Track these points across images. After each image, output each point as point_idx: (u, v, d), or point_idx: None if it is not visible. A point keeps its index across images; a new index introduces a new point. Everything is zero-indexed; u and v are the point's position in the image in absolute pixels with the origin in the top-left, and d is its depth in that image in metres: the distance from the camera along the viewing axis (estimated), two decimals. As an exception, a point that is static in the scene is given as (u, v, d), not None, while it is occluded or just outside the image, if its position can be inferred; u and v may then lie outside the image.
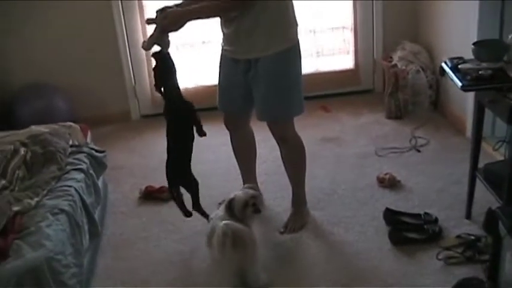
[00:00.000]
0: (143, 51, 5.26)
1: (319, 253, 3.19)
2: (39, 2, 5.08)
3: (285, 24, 3.08)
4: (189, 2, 3.05)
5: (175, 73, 3.00)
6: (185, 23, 2.89)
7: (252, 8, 2.94)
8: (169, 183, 3.22)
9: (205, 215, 3.31)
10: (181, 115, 3.06)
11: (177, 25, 2.89)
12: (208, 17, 3.04)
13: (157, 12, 2.95)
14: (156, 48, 2.98)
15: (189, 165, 3.17)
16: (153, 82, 3.07)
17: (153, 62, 3.01)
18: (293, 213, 3.51)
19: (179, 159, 3.15)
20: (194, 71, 5.44)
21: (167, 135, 3.11)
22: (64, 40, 5.24)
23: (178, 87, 3.03)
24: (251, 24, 3.00)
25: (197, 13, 2.94)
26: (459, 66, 2.97)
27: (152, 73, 3.06)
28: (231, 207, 2.94)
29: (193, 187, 3.23)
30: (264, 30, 3.01)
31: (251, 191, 3.03)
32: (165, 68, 2.98)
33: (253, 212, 2.97)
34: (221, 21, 3.18)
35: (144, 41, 3.03)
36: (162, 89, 3.00)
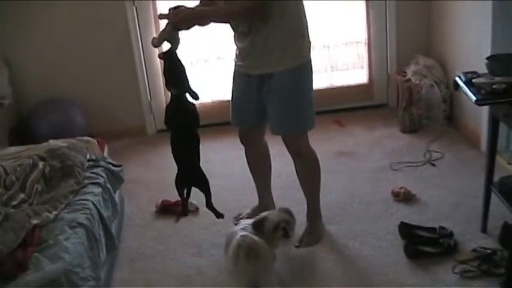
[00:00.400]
0: (159, 67, 5.33)
1: (335, 267, 3.19)
2: (56, 19, 5.16)
3: (298, 41, 3.10)
4: (206, 2, 3.07)
5: (185, 72, 2.97)
6: (197, 23, 2.89)
7: (266, 22, 2.96)
8: (178, 185, 3.21)
9: (218, 213, 3.28)
10: (186, 115, 3.03)
11: (189, 23, 2.88)
12: (221, 21, 3.05)
13: (170, 9, 2.93)
14: (165, 47, 2.97)
15: (199, 165, 3.14)
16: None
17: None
18: (308, 227, 3.52)
19: (187, 160, 3.13)
20: (209, 86, 5.48)
21: (172, 142, 3.11)
22: (81, 55, 5.30)
23: (189, 87, 2.98)
24: (265, 40, 3.02)
25: (211, 15, 2.95)
26: (473, 80, 2.98)
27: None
28: (260, 225, 2.95)
29: (205, 186, 3.19)
30: (278, 46, 3.03)
31: (285, 215, 3.04)
32: (173, 68, 2.95)
33: (282, 235, 2.98)
34: (235, 36, 3.20)
35: (154, 38, 3.00)
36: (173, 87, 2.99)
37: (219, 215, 3.29)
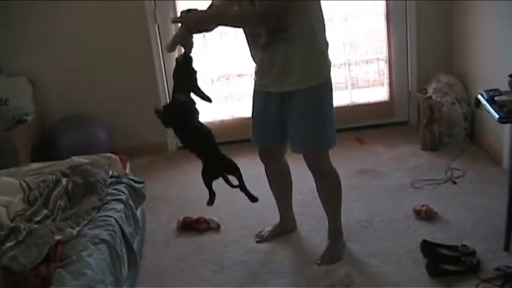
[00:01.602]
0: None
1: (356, 285, 3.17)
2: (79, 37, 5.23)
3: (318, 59, 3.10)
4: (221, 2, 3.07)
5: (196, 79, 2.97)
6: (212, 25, 2.87)
7: (284, 35, 2.95)
8: (206, 177, 3.17)
9: (252, 196, 3.26)
10: (191, 115, 3.03)
11: (203, 26, 2.86)
12: (237, 26, 3.05)
13: (182, 11, 2.91)
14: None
15: (221, 152, 3.13)
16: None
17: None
18: (330, 245, 3.51)
19: (208, 151, 3.10)
20: (230, 103, 5.51)
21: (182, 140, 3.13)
22: (102, 72, 5.37)
23: (199, 90, 2.99)
24: (284, 55, 3.01)
25: (226, 19, 2.94)
26: (495, 98, 2.98)
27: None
28: None
29: (235, 169, 3.16)
30: (298, 63, 3.02)
31: None
32: (183, 71, 2.95)
33: None
34: (252, 52, 3.19)
35: (167, 43, 2.97)
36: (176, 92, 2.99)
37: (253, 198, 3.27)
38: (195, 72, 2.98)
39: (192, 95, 3.01)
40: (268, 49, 3.04)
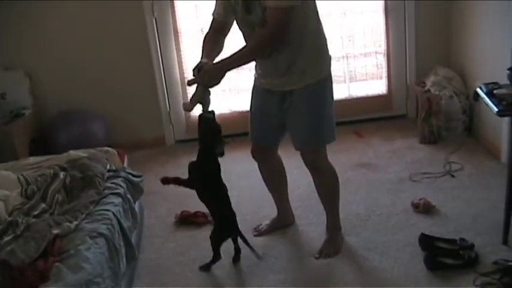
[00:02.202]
0: (178, 78, 5.36)
1: (355, 279, 3.18)
2: (77, 30, 5.21)
3: (320, 57, 3.12)
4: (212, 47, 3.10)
5: (220, 132, 3.06)
6: (225, 74, 2.93)
7: (286, 43, 2.96)
8: (217, 239, 3.33)
9: (257, 254, 3.40)
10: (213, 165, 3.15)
11: (218, 78, 2.93)
12: (247, 61, 3.07)
13: (194, 70, 2.98)
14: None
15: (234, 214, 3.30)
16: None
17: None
18: (327, 238, 3.51)
19: (223, 211, 3.28)
20: (228, 96, 5.50)
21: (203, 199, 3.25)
22: (100, 66, 5.35)
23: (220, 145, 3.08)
24: (288, 60, 3.03)
25: (234, 62, 2.96)
26: (494, 91, 2.97)
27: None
28: None
29: (241, 234, 3.37)
30: (301, 64, 3.04)
31: None
32: (210, 130, 3.04)
33: None
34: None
35: (184, 103, 3.07)
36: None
37: (258, 256, 3.40)
38: (219, 128, 3.06)
39: None
40: (270, 56, 3.05)
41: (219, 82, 2.95)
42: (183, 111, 5.42)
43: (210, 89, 2.99)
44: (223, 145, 3.06)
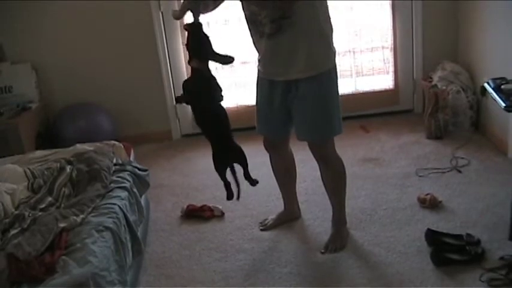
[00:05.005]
0: (184, 72, 5.35)
1: (360, 274, 3.17)
2: (83, 24, 5.22)
3: (324, 45, 3.09)
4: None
5: (210, 42, 2.90)
6: None
7: (288, 22, 2.92)
8: (218, 166, 3.12)
9: (252, 180, 3.20)
10: (209, 88, 2.95)
11: None
12: None
13: None
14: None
15: (231, 139, 3.07)
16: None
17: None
18: (334, 233, 3.51)
19: (220, 136, 3.05)
20: (234, 91, 5.50)
21: (199, 121, 3.05)
22: (107, 60, 5.36)
23: (216, 54, 2.92)
24: (290, 44, 2.99)
25: None
26: (502, 86, 2.96)
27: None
28: None
29: (243, 158, 3.10)
30: (303, 50, 3.00)
31: None
32: (197, 38, 2.88)
33: None
34: (255, 42, 3.17)
35: (173, 10, 2.92)
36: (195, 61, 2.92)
37: (254, 182, 3.22)
38: (208, 37, 2.91)
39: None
40: (273, 38, 3.01)
41: None
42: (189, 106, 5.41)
43: None
44: (220, 59, 2.93)
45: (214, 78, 2.96)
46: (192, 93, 2.97)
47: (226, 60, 2.93)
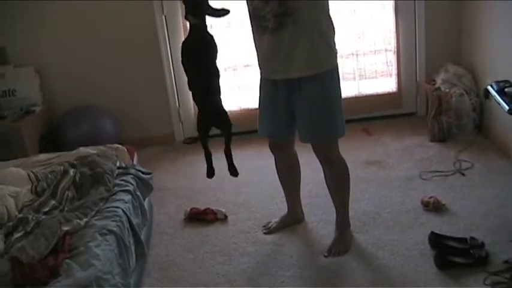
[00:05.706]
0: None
1: (364, 277, 3.17)
2: (87, 28, 5.22)
3: (325, 44, 3.08)
4: None
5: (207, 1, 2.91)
6: None
7: (291, 19, 2.92)
8: (199, 125, 3.14)
9: (233, 168, 3.20)
10: (206, 45, 2.97)
11: None
12: None
13: None
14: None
15: (221, 103, 3.09)
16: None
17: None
18: (337, 236, 3.50)
19: (209, 96, 3.05)
20: (237, 94, 5.51)
21: (191, 80, 3.05)
22: (110, 63, 5.36)
23: (211, 8, 2.92)
24: (291, 40, 2.99)
25: None
26: (506, 89, 2.96)
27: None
28: None
29: (227, 126, 3.12)
30: (304, 48, 3.00)
31: None
32: None
33: None
34: (257, 38, 3.16)
35: None
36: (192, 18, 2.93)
37: (234, 172, 3.22)
38: None
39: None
40: (275, 33, 3.01)
41: None
42: (192, 109, 5.43)
43: None
44: (215, 12, 2.93)
45: (212, 37, 2.98)
46: (190, 50, 2.98)
47: (222, 13, 2.94)
